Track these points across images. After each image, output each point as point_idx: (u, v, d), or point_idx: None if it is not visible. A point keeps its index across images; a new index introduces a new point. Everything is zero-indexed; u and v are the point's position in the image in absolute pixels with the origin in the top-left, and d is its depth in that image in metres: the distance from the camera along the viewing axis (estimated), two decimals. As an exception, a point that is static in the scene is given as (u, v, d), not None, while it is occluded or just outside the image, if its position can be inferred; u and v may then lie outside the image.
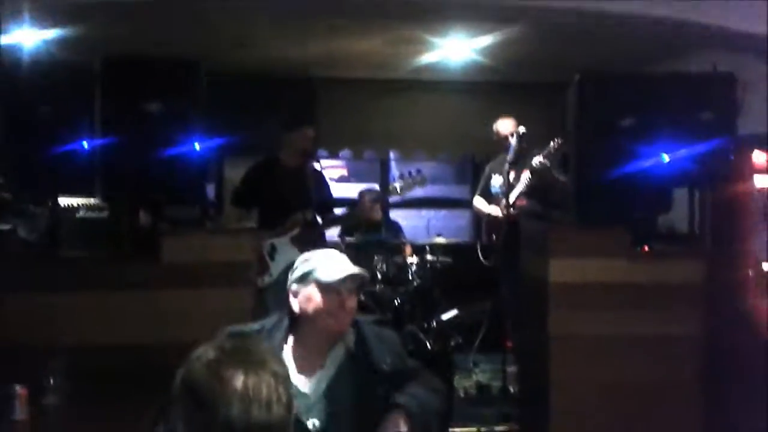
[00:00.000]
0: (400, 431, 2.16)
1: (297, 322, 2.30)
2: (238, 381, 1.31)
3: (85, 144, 3.34)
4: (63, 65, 3.90)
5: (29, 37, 4.75)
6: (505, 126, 5.03)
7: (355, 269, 2.27)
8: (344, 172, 13.35)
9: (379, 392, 2.25)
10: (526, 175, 4.79)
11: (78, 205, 4.60)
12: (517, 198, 4.81)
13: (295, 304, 2.28)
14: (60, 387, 2.62)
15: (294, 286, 2.29)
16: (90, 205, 4.65)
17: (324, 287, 2.23)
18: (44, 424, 2.48)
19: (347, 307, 2.24)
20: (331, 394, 2.21)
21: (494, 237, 4.96)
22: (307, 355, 2.26)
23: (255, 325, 2.36)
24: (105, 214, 4.65)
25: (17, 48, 4.38)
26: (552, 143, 4.63)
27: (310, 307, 2.24)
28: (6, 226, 3.85)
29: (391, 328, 2.54)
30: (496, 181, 5.02)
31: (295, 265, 2.35)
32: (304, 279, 2.27)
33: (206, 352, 1.37)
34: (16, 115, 3.35)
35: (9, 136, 3.37)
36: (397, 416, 2.18)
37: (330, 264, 2.27)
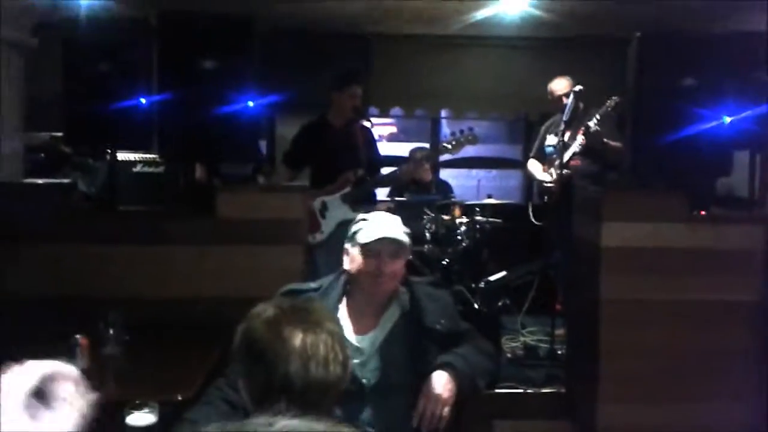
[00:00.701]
0: (446, 388, 2.19)
1: (350, 282, 2.33)
2: (297, 339, 1.36)
3: (143, 100, 3.40)
4: (121, 20, 3.94)
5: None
6: (560, 85, 4.92)
7: (388, 233, 2.25)
8: (394, 130, 13.31)
9: (432, 352, 2.28)
10: (581, 136, 4.69)
11: (135, 159, 4.71)
12: (572, 158, 4.73)
13: (346, 263, 2.33)
14: (119, 338, 2.72)
15: (346, 245, 2.33)
16: (147, 159, 4.76)
17: (363, 249, 2.26)
18: (105, 372, 2.58)
19: (385, 270, 2.23)
20: (384, 352, 2.24)
21: (546, 198, 4.90)
22: (361, 314, 2.30)
23: (313, 284, 2.40)
24: (161, 169, 4.76)
25: (77, 4, 4.46)
26: (608, 102, 4.52)
27: (354, 268, 2.29)
28: (67, 180, 3.98)
29: (445, 289, 2.53)
30: (551, 141, 4.94)
31: (351, 225, 2.37)
32: (351, 239, 2.31)
33: (266, 310, 1.42)
34: (75, 71, 3.42)
35: (69, 91, 3.45)
36: (444, 373, 2.21)
37: (372, 226, 2.29)
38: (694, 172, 3.80)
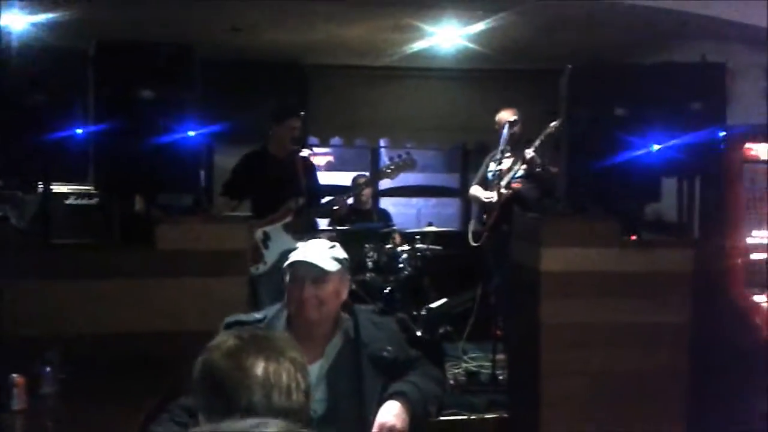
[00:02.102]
0: (399, 418, 2.19)
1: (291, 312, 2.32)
2: (259, 368, 1.34)
3: (78, 130, 3.32)
4: (56, 50, 3.85)
5: (20, 22, 4.71)
6: (502, 116, 5.06)
7: (305, 257, 2.25)
8: (331, 159, 13.33)
9: (379, 381, 2.28)
10: (519, 162, 4.84)
11: (67, 191, 4.59)
12: (513, 181, 4.87)
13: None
14: (56, 376, 2.62)
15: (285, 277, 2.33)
16: (79, 191, 4.64)
17: (289, 276, 2.27)
18: (42, 413, 2.48)
19: (304, 296, 2.22)
20: (331, 382, 2.23)
21: (486, 217, 5.00)
22: (305, 344, 2.27)
23: (257, 315, 2.39)
24: (95, 200, 4.65)
25: (8, 33, 4.34)
26: (548, 127, 4.66)
27: (285, 297, 2.29)
28: (-3, 213, 3.84)
29: (390, 316, 2.55)
30: (492, 168, 5.07)
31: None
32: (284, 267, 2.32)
33: (226, 340, 1.40)
34: (8, 101, 3.32)
35: (1, 122, 3.35)
36: (397, 403, 2.22)
37: (297, 252, 2.30)
38: (625, 197, 3.95)
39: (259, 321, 2.32)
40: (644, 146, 3.73)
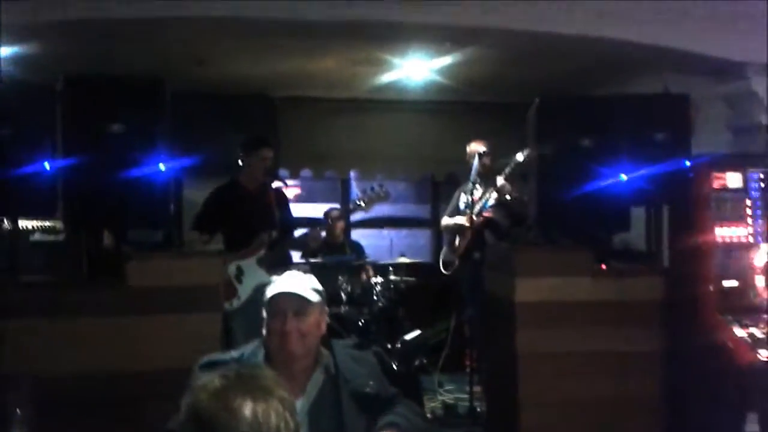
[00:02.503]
0: None
1: (270, 348, 2.27)
2: (247, 409, 1.30)
3: (47, 165, 3.27)
4: (23, 85, 3.80)
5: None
6: (472, 147, 5.11)
7: (288, 288, 2.22)
8: (299, 191, 13.29)
9: (362, 417, 2.24)
10: (490, 192, 4.88)
11: (33, 227, 4.48)
12: (483, 210, 4.90)
13: (264, 329, 2.27)
14: (27, 418, 2.54)
15: (263, 312, 2.29)
16: (45, 227, 4.54)
17: (269, 309, 2.22)
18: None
19: (288, 328, 2.17)
20: (313, 419, 2.19)
21: (457, 242, 5.01)
22: (285, 382, 2.23)
23: (233, 353, 2.32)
24: (61, 237, 4.55)
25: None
26: (518, 156, 4.70)
27: (265, 331, 2.24)
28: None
29: (369, 350, 2.51)
30: (463, 199, 5.10)
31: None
32: (262, 303, 2.27)
33: (211, 381, 1.36)
34: (-25, 137, 3.26)
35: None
36: None
37: (276, 285, 2.25)
38: (595, 227, 4.00)
39: (236, 360, 2.25)
40: (612, 176, 3.80)
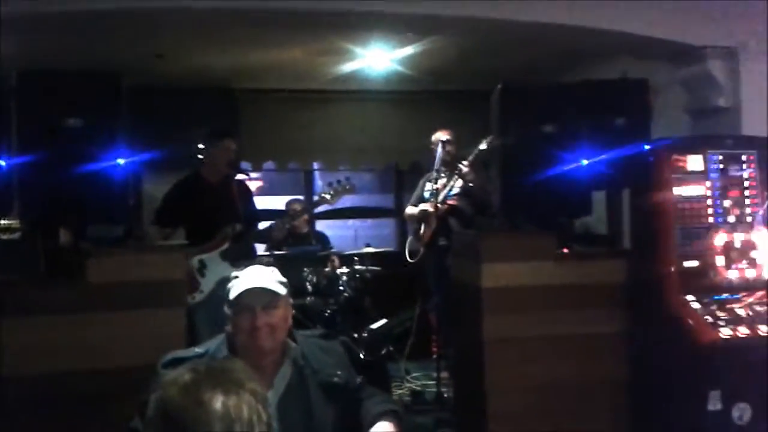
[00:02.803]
0: None
1: (235, 344, 2.24)
2: (218, 402, 1.29)
3: (1, 162, 3.18)
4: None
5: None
6: (436, 136, 5.12)
7: (256, 283, 2.20)
8: (261, 184, 13.20)
9: (330, 408, 2.23)
10: (455, 180, 4.89)
11: (-12, 226, 4.38)
12: (448, 198, 4.92)
13: (228, 325, 2.25)
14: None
15: (224, 307, 2.26)
16: (1, 226, 4.44)
17: (236, 306, 2.20)
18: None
19: (259, 323, 2.15)
20: (282, 413, 2.16)
21: (422, 230, 5.00)
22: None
23: (198, 349, 2.29)
24: (17, 235, 4.45)
25: None
26: (481, 144, 4.72)
27: (232, 328, 2.22)
28: None
29: (336, 340, 2.50)
30: (428, 187, 5.10)
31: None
32: (227, 299, 2.24)
33: (181, 376, 1.34)
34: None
35: None
36: (390, 424, 2.19)
37: (241, 281, 2.22)
38: (558, 212, 4.04)
39: (200, 356, 2.21)
40: (573, 162, 3.83)
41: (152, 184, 5.87)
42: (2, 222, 4.36)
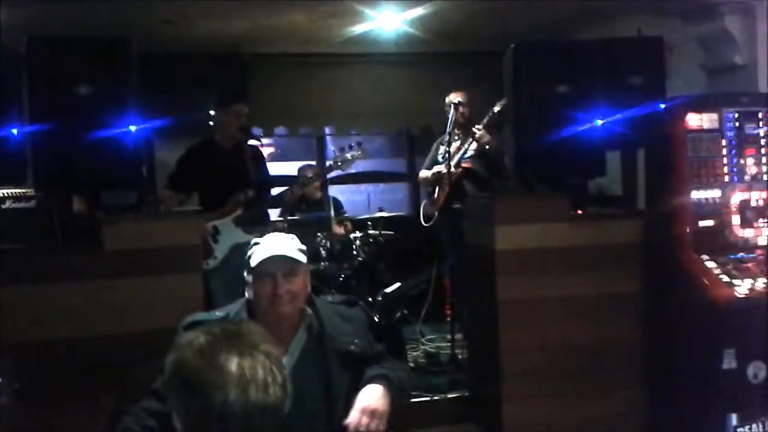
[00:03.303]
0: (381, 400, 2.17)
1: (253, 309, 2.27)
2: (233, 364, 1.31)
3: (14, 131, 3.19)
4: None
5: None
6: (449, 98, 5.06)
7: (277, 251, 2.22)
8: (273, 150, 13.18)
9: (347, 375, 2.25)
10: (469, 143, 4.86)
11: (3, 195, 4.41)
12: (462, 161, 4.89)
13: (248, 291, 2.28)
14: (10, 387, 2.52)
15: (244, 274, 2.28)
16: (16, 195, 4.46)
17: (256, 272, 2.22)
18: (-2, 424, 2.39)
19: (280, 291, 2.18)
20: (296, 379, 2.17)
21: (437, 192, 4.99)
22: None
23: (218, 312, 2.32)
24: (32, 203, 4.48)
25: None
26: (493, 108, 4.69)
27: (252, 294, 2.24)
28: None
29: (359, 307, 2.50)
30: (441, 151, 5.07)
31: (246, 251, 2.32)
32: (247, 266, 2.27)
33: (196, 338, 1.36)
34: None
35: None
36: (379, 386, 2.20)
37: (262, 248, 2.24)
38: (572, 173, 4.01)
39: (221, 319, 2.24)
40: (588, 122, 3.79)
41: (164, 150, 5.87)
42: (17, 190, 4.39)
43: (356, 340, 2.29)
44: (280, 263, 2.20)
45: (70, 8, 4.67)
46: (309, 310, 2.30)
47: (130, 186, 3.73)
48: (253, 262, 2.22)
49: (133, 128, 3.35)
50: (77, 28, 4.54)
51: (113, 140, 3.29)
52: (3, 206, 4.43)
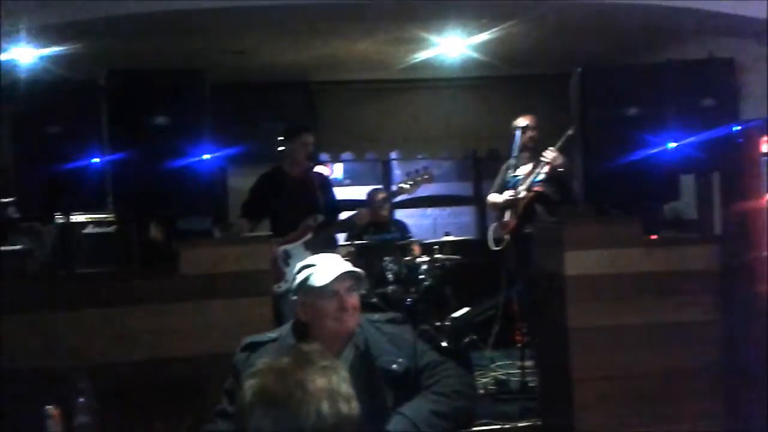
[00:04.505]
0: None
1: (306, 329, 2.30)
2: (318, 382, 1.38)
3: (95, 160, 3.33)
4: (68, 82, 3.87)
5: (28, 55, 4.74)
6: (516, 122, 5.04)
7: (346, 267, 2.27)
8: (340, 175, 13.36)
9: (389, 394, 2.23)
10: (540, 166, 4.82)
11: (85, 221, 4.60)
12: (533, 185, 4.85)
13: (300, 313, 2.31)
14: (90, 406, 2.61)
15: (296, 296, 2.32)
16: (97, 220, 4.65)
17: (321, 292, 2.24)
18: (79, 443, 2.47)
19: (348, 306, 2.23)
20: None
21: (507, 216, 4.96)
22: None
23: (272, 334, 2.38)
24: (112, 228, 4.66)
25: (20, 67, 4.37)
26: (566, 132, 4.64)
27: (313, 314, 2.26)
28: (19, 246, 3.85)
29: (407, 325, 2.49)
30: (510, 174, 5.05)
31: (293, 275, 2.37)
32: (302, 288, 2.30)
33: (275, 363, 1.42)
34: (25, 136, 3.35)
35: (19, 156, 3.37)
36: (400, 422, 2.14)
37: (322, 268, 2.28)
38: (644, 197, 3.93)
39: (274, 340, 2.33)
40: (659, 145, 3.72)
41: (236, 176, 6.03)
42: (98, 216, 4.58)
43: (400, 360, 2.27)
44: (345, 280, 2.25)
45: (145, 41, 4.88)
46: (357, 328, 2.32)
47: (205, 212, 3.84)
48: (322, 282, 2.25)
49: (206, 156, 3.46)
50: (153, 60, 4.74)
51: (188, 168, 3.39)
52: (85, 231, 4.63)
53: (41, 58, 4.86)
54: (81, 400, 2.58)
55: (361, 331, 2.31)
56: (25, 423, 2.46)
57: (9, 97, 3.35)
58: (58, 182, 3.30)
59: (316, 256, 2.41)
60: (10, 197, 3.80)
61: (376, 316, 2.46)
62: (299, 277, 2.32)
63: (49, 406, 2.42)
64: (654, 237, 3.79)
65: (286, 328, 2.37)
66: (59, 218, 3.79)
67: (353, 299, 2.25)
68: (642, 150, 3.70)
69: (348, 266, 2.28)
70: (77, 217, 4.48)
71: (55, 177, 3.29)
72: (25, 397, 2.68)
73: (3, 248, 3.62)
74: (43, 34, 4.39)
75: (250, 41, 5.47)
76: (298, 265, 2.38)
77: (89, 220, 4.63)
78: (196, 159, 3.43)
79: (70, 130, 3.35)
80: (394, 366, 2.25)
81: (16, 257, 3.53)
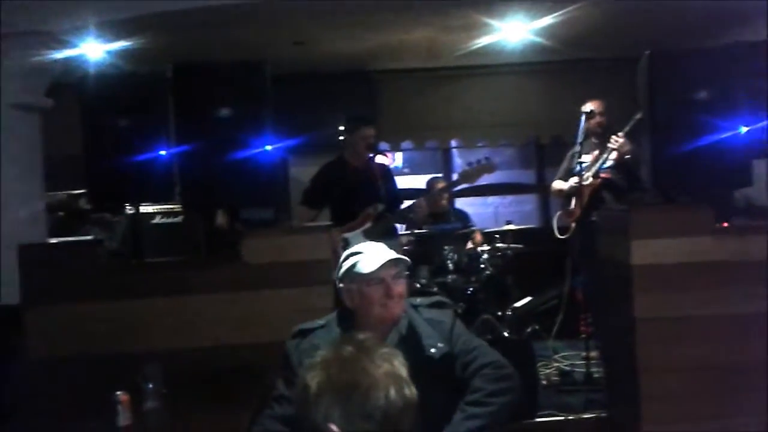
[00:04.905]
0: None
1: (352, 315, 2.36)
2: (382, 368, 1.42)
3: (162, 152, 3.42)
4: (135, 76, 3.97)
5: (97, 50, 4.89)
6: (583, 107, 4.93)
7: (392, 254, 2.30)
8: (397, 164, 13.34)
9: (431, 377, 2.18)
10: (608, 152, 4.72)
11: (153, 211, 4.73)
12: (601, 171, 4.75)
13: (347, 299, 2.36)
14: (158, 391, 2.70)
15: (342, 283, 2.37)
16: (164, 210, 4.77)
17: (367, 279, 2.28)
18: (148, 428, 2.55)
19: (394, 293, 2.27)
20: None
21: (573, 204, 4.87)
22: None
23: (321, 321, 2.44)
24: (179, 219, 4.77)
25: (89, 62, 4.52)
26: (634, 117, 4.52)
27: (360, 301, 2.31)
28: (91, 237, 3.99)
29: (448, 309, 2.50)
30: (576, 161, 4.94)
31: (339, 264, 2.41)
32: (348, 275, 2.34)
33: (336, 352, 1.46)
34: (95, 128, 3.45)
35: (89, 148, 3.48)
36: None
37: (369, 255, 2.32)
38: (715, 183, 3.79)
39: (322, 327, 2.40)
40: (731, 129, 3.58)
41: (298, 167, 6.10)
42: (165, 207, 4.69)
43: (439, 344, 2.30)
44: (391, 267, 2.29)
45: (203, 35, 4.97)
46: (402, 313, 2.35)
47: (267, 202, 3.90)
48: (368, 269, 2.28)
49: (269, 147, 3.50)
50: (215, 53, 4.82)
51: (251, 159, 3.44)
52: (153, 221, 4.76)
53: (109, 52, 5.02)
54: (149, 386, 2.68)
55: (405, 316, 2.36)
56: (95, 408, 2.56)
57: (80, 90, 3.46)
58: (128, 174, 3.40)
59: (362, 243, 2.46)
60: (81, 189, 3.93)
61: (419, 300, 2.50)
62: (345, 265, 2.37)
63: (119, 392, 2.51)
64: (725, 225, 3.66)
65: (330, 317, 2.44)
66: (129, 209, 3.91)
67: (399, 286, 2.29)
68: (712, 135, 3.57)
69: (393, 254, 2.31)
70: (146, 208, 4.61)
71: (125, 169, 3.39)
72: (95, 383, 2.78)
73: (76, 238, 3.75)
74: (111, 30, 4.53)
75: (311, 32, 5.50)
76: (345, 253, 2.42)
77: (157, 210, 4.75)
78: (259, 150, 3.48)
79: (139, 122, 3.44)
80: (432, 350, 2.29)
81: (88, 247, 3.65)
